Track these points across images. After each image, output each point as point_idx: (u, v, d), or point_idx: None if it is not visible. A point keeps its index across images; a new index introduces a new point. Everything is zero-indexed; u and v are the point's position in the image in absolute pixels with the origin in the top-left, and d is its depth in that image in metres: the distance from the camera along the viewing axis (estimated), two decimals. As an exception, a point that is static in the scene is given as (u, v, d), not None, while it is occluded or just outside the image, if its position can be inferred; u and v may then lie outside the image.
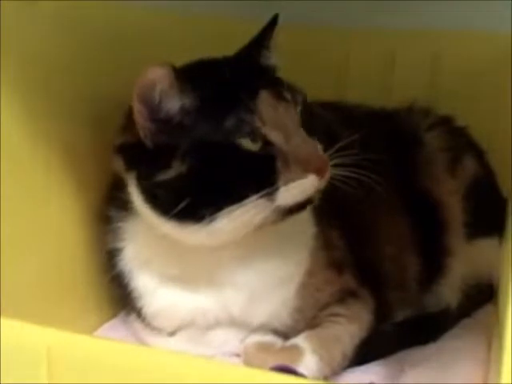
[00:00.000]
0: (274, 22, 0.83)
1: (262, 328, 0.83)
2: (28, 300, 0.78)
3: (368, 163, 0.75)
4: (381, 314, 0.87)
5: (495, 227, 0.97)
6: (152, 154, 0.72)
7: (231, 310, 0.81)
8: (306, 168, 0.71)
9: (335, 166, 0.73)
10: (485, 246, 0.98)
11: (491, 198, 1.02)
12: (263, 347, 0.82)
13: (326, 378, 0.79)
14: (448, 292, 0.96)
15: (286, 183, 0.71)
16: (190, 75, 0.73)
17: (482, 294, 0.96)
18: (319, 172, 0.71)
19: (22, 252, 0.78)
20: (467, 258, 0.98)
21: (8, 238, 0.74)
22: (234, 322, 0.83)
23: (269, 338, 0.83)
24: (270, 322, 0.83)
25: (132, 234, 0.82)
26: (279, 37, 0.84)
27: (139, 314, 0.84)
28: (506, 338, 0.53)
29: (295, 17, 1.13)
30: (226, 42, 0.80)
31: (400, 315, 0.91)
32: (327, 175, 0.72)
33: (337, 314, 0.84)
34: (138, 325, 0.86)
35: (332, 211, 0.83)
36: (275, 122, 0.72)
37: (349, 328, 0.83)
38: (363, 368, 0.83)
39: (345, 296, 0.85)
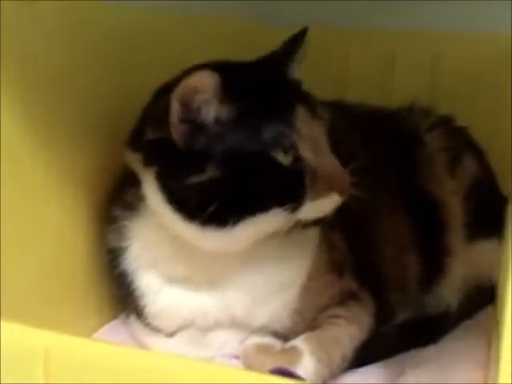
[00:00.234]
0: (302, 34, 0.83)
1: (262, 330, 0.83)
2: (28, 300, 0.78)
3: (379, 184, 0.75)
4: (381, 315, 0.87)
5: (495, 228, 0.97)
6: (183, 154, 0.72)
7: (233, 311, 0.81)
8: (330, 186, 0.73)
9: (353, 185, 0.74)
10: (485, 248, 0.98)
11: (491, 199, 1.02)
12: (262, 349, 0.82)
13: (324, 379, 0.78)
14: (448, 293, 0.96)
15: (312, 199, 0.72)
16: (231, 85, 0.72)
17: (483, 296, 0.96)
18: (342, 192, 0.73)
19: (22, 252, 0.77)
20: (467, 259, 0.98)
21: (8, 238, 0.74)
22: (234, 324, 0.83)
23: (268, 340, 0.83)
24: (270, 323, 0.83)
25: (137, 233, 0.82)
26: (279, 37, 0.83)
27: (140, 313, 0.84)
28: (505, 338, 0.53)
29: (295, 17, 1.13)
30: (226, 42, 0.80)
31: (400, 317, 0.91)
32: (347, 195, 0.74)
33: (337, 316, 0.84)
34: (137, 325, 0.86)
35: (334, 213, 0.83)
36: (308, 138, 0.73)
37: (348, 330, 0.83)
38: (363, 370, 0.82)
39: (345, 298, 0.85)
